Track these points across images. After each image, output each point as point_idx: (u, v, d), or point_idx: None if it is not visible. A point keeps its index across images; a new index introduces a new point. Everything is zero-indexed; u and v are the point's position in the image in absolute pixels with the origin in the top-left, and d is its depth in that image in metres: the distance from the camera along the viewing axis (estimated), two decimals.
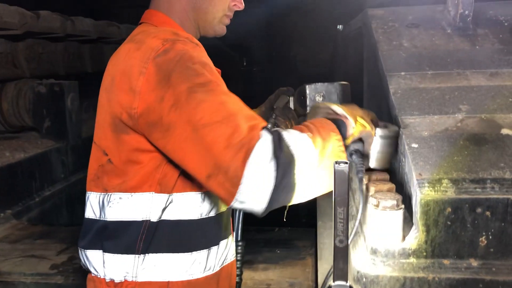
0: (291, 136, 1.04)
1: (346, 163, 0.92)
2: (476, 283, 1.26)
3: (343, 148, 1.12)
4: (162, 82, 1.05)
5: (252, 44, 8.92)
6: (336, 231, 0.92)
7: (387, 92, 1.73)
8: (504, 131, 1.45)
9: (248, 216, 1.33)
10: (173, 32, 1.17)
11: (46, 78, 4.32)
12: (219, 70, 1.34)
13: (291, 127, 1.51)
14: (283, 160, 0.98)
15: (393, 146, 1.35)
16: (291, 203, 1.06)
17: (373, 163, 1.31)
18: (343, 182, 0.89)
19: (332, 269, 1.06)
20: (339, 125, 1.16)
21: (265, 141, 0.98)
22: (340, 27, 4.63)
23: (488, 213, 1.27)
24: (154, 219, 1.16)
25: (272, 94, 1.54)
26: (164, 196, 1.15)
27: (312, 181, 1.06)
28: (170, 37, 1.13)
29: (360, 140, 1.25)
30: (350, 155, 1.25)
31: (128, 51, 1.14)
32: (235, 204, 0.99)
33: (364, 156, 1.30)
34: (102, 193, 1.20)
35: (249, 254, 2.34)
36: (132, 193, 1.15)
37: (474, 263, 1.29)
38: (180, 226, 1.18)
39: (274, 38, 8.80)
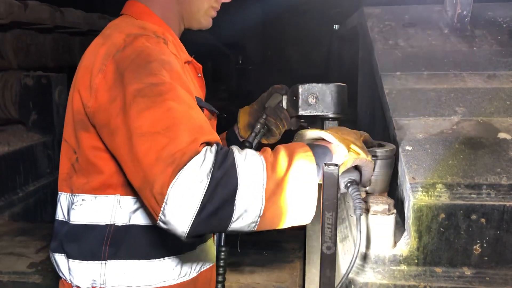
0: (241, 157, 0.92)
1: (336, 165, 0.86)
2: None
3: (312, 178, 0.94)
4: (117, 81, 0.98)
5: (248, 42, 8.89)
6: (323, 237, 0.86)
7: (381, 92, 1.69)
8: (501, 135, 1.41)
9: None
10: (140, 26, 1.10)
11: (34, 70, 4.23)
12: (200, 66, 1.25)
13: (282, 128, 1.41)
14: (220, 181, 0.86)
15: (390, 166, 1.27)
16: (234, 231, 0.92)
17: (370, 188, 1.24)
18: (332, 185, 0.83)
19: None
20: (321, 152, 1.01)
21: (202, 157, 0.87)
22: (336, 27, 4.59)
23: (483, 220, 1.23)
24: (120, 223, 1.08)
25: (265, 92, 1.46)
26: (131, 199, 1.08)
27: (267, 211, 0.91)
28: (134, 31, 1.06)
29: (355, 169, 1.15)
30: (346, 187, 1.14)
31: (95, 46, 1.09)
32: (160, 224, 0.89)
33: (363, 185, 1.21)
34: (70, 194, 1.14)
35: (236, 256, 2.27)
36: (96, 195, 1.09)
37: (468, 272, 1.25)
38: (151, 230, 1.09)
39: (270, 37, 8.78)
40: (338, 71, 4.17)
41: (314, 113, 1.34)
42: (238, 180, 0.88)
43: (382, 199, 1.27)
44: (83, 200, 1.10)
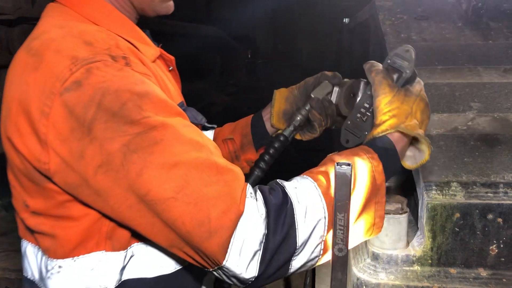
0: (302, 209, 0.82)
1: (349, 164, 0.83)
2: None
3: (380, 223, 0.91)
4: (78, 131, 0.74)
5: (257, 36, 8.82)
6: (335, 238, 0.83)
7: None
8: None
9: None
10: (85, 41, 0.79)
11: None
12: (171, 58, 1.01)
13: (325, 125, 1.13)
14: (277, 250, 0.80)
15: None
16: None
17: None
18: (344, 186, 0.80)
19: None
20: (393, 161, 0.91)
21: (250, 222, 0.78)
22: (346, 20, 4.52)
23: (500, 220, 1.20)
24: (112, 285, 0.87)
25: (311, 77, 1.17)
26: (120, 254, 0.86)
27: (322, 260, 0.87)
28: (81, 54, 0.76)
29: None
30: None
31: (24, 67, 0.80)
32: (217, 272, 0.82)
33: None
34: (38, 250, 0.89)
35: None
36: (75, 258, 0.85)
37: (483, 273, 1.21)
38: (149, 285, 0.90)
39: (280, 30, 8.71)
40: (348, 64, 4.12)
41: None
42: (298, 244, 0.81)
43: (394, 198, 1.24)
44: (59, 267, 0.85)
